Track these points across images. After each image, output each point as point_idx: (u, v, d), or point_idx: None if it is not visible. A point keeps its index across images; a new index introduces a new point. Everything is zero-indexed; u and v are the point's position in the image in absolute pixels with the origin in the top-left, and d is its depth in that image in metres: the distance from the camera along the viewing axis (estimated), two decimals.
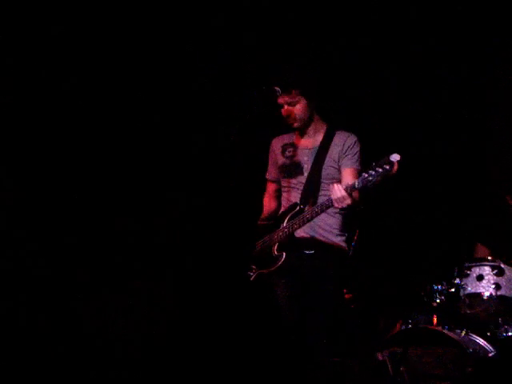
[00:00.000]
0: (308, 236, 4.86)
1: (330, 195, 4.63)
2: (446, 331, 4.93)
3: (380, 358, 4.95)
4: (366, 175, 4.45)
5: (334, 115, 5.23)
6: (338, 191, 4.56)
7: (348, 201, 4.56)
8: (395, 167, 4.38)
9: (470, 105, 6.16)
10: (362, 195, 4.73)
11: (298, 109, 4.92)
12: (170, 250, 5.92)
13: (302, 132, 5.02)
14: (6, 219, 5.67)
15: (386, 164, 4.39)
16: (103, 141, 6.04)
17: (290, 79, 4.94)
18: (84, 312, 5.77)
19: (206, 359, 5.47)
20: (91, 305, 5.78)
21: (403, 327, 5.11)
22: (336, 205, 4.60)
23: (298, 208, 4.86)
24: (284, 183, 5.03)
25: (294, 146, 5.05)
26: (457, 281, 5.12)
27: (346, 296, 5.41)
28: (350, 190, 4.56)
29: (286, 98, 4.90)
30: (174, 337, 5.71)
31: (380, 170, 4.40)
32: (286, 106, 4.91)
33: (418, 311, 5.23)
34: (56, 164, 5.88)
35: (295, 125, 4.95)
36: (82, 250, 5.93)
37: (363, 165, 4.79)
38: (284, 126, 5.02)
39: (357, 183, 4.51)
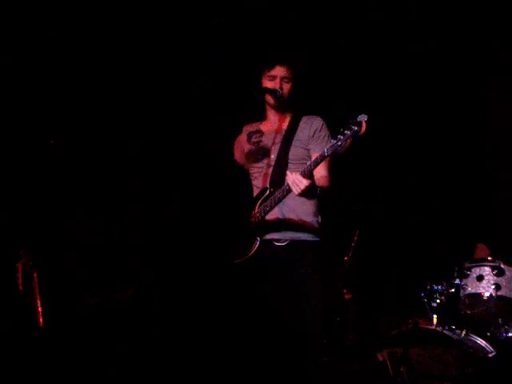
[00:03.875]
0: (278, 220, 4.81)
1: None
2: (446, 331, 4.92)
3: (380, 358, 4.96)
4: (335, 141, 4.42)
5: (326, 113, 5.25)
6: (290, 176, 4.53)
7: (304, 182, 4.51)
8: (363, 127, 4.35)
9: (470, 104, 6.16)
10: (331, 173, 4.74)
11: (288, 88, 4.91)
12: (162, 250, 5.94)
13: (270, 117, 5.01)
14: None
15: (354, 125, 4.37)
16: (101, 140, 6.05)
17: (298, 56, 4.94)
18: (83, 312, 5.78)
19: (202, 359, 5.46)
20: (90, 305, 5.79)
21: (403, 328, 5.10)
22: (295, 191, 4.54)
23: (267, 192, 4.81)
24: (252, 169, 4.99)
25: (260, 131, 5.03)
26: (457, 281, 5.11)
27: (346, 296, 5.41)
28: (305, 171, 4.53)
29: (285, 72, 4.89)
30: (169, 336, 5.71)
31: (348, 132, 4.37)
32: (279, 79, 4.89)
33: (417, 311, 5.23)
34: (54, 164, 5.88)
35: (277, 103, 4.92)
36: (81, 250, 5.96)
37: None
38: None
39: (325, 150, 4.46)
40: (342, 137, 4.40)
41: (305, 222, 4.83)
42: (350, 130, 4.37)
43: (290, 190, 4.62)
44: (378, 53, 6.08)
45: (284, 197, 4.69)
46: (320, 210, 4.91)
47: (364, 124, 4.36)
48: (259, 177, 4.93)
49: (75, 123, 5.97)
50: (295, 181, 4.53)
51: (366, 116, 4.37)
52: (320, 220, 4.90)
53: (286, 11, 6.03)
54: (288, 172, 4.61)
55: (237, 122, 5.26)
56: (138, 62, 6.07)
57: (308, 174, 4.57)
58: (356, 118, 4.38)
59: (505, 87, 6.13)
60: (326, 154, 4.47)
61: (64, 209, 5.94)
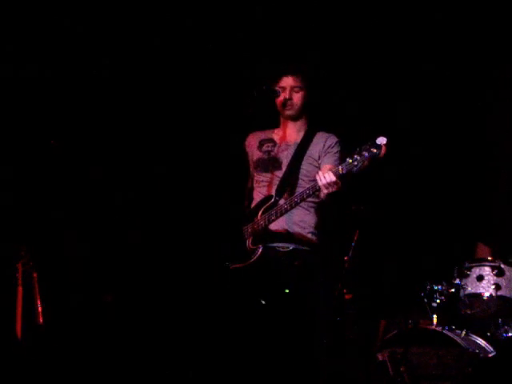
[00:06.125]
0: (282, 230, 4.79)
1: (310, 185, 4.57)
2: (446, 331, 4.92)
3: (380, 358, 4.96)
4: (351, 160, 4.36)
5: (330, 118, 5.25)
6: (326, 176, 4.45)
7: (338, 184, 4.46)
8: (383, 150, 4.32)
9: (470, 103, 6.16)
10: (344, 181, 4.64)
11: (299, 97, 4.90)
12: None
13: (284, 127, 4.99)
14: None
15: (373, 147, 4.31)
16: (101, 140, 6.06)
17: (305, 64, 4.94)
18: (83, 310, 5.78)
19: (202, 361, 5.46)
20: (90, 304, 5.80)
21: (403, 327, 5.09)
22: (325, 191, 4.47)
23: (272, 200, 4.78)
24: (259, 177, 4.95)
25: (273, 141, 4.99)
26: (457, 281, 5.11)
27: (346, 296, 5.40)
28: (336, 173, 4.47)
29: (293, 82, 4.88)
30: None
31: (366, 153, 4.31)
32: (288, 89, 4.88)
33: (417, 311, 5.23)
34: (54, 164, 5.88)
35: (289, 112, 4.92)
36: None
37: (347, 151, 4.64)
38: (270, 120, 5.00)
39: (341, 168, 4.41)
40: (358, 157, 4.33)
41: (307, 233, 4.84)
42: (369, 152, 4.30)
43: (301, 200, 4.61)
44: (377, 53, 6.08)
45: (294, 207, 4.67)
46: (322, 222, 4.92)
47: (384, 148, 4.31)
48: (265, 185, 4.91)
49: (75, 123, 5.97)
50: (331, 182, 4.45)
51: (385, 139, 4.28)
52: (320, 234, 4.90)
53: (293, 19, 6.03)
54: (320, 172, 4.53)
55: (240, 126, 5.26)
56: (139, 63, 6.08)
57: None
58: (375, 140, 4.31)
59: (505, 86, 6.13)
60: (340, 172, 4.42)
61: (64, 209, 5.94)
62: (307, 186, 4.69)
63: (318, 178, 4.49)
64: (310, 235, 4.83)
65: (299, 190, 4.76)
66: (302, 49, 5.90)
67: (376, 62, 6.09)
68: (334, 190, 4.49)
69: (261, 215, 4.76)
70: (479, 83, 6.13)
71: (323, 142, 4.89)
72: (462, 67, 6.07)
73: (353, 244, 5.32)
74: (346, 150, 4.82)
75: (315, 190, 4.55)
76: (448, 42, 6.03)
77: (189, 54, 6.08)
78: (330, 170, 4.49)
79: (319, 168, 4.82)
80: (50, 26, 5.83)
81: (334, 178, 4.44)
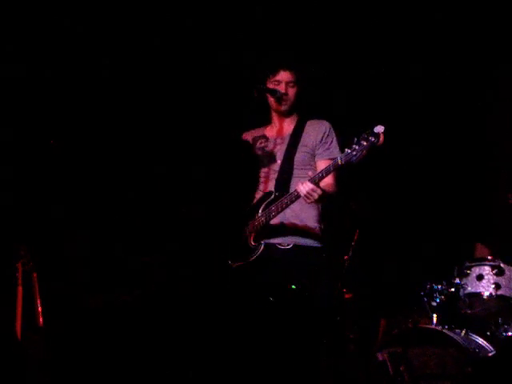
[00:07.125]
0: (282, 226, 4.79)
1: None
2: (445, 331, 4.92)
3: (380, 357, 4.95)
4: (350, 150, 4.36)
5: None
6: (303, 188, 4.50)
7: (318, 191, 4.49)
8: (381, 138, 4.32)
9: (470, 102, 6.16)
10: (337, 180, 4.70)
11: (293, 92, 4.91)
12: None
13: (277, 123, 5.00)
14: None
15: (371, 136, 4.31)
16: (101, 139, 6.06)
17: (302, 60, 4.95)
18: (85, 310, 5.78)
19: (201, 360, 5.45)
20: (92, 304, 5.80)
21: (403, 327, 5.09)
22: (308, 201, 4.53)
23: (272, 196, 4.78)
24: (258, 174, 4.98)
25: (265, 137, 5.01)
26: (457, 280, 5.11)
27: (346, 296, 5.41)
28: (316, 179, 4.49)
29: (289, 77, 4.88)
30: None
31: (365, 143, 4.31)
32: (284, 84, 4.88)
33: (417, 311, 5.23)
34: (54, 164, 5.88)
35: (284, 107, 4.92)
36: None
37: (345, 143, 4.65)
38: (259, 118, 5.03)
39: (339, 159, 4.42)
40: (357, 147, 4.33)
41: (308, 227, 4.82)
42: (367, 140, 4.30)
43: (298, 197, 4.60)
44: (377, 51, 6.08)
45: (292, 202, 4.66)
46: (323, 217, 4.91)
47: (382, 136, 4.31)
48: (264, 181, 4.92)
49: (75, 123, 5.98)
50: (309, 192, 4.50)
51: (382, 127, 4.29)
52: (323, 227, 4.89)
53: (290, 14, 6.03)
54: (300, 183, 4.57)
55: (238, 125, 5.26)
56: (139, 63, 6.08)
57: (318, 182, 4.54)
58: (373, 129, 4.32)
59: (505, 86, 6.14)
60: (340, 163, 4.42)
61: (64, 209, 5.94)
62: (303, 175, 4.72)
63: (298, 189, 4.53)
64: (310, 230, 4.82)
65: (296, 180, 4.77)
66: (299, 44, 5.91)
67: (376, 62, 6.09)
68: (315, 198, 4.51)
69: (261, 211, 4.77)
70: (479, 83, 6.13)
71: (316, 131, 4.89)
72: (462, 67, 6.07)
73: (353, 244, 5.32)
74: (340, 138, 4.85)
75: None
76: (448, 41, 6.03)
77: (188, 54, 6.08)
78: (310, 176, 4.53)
79: (313, 157, 4.84)
80: (50, 25, 5.84)
81: (311, 186, 4.48)
